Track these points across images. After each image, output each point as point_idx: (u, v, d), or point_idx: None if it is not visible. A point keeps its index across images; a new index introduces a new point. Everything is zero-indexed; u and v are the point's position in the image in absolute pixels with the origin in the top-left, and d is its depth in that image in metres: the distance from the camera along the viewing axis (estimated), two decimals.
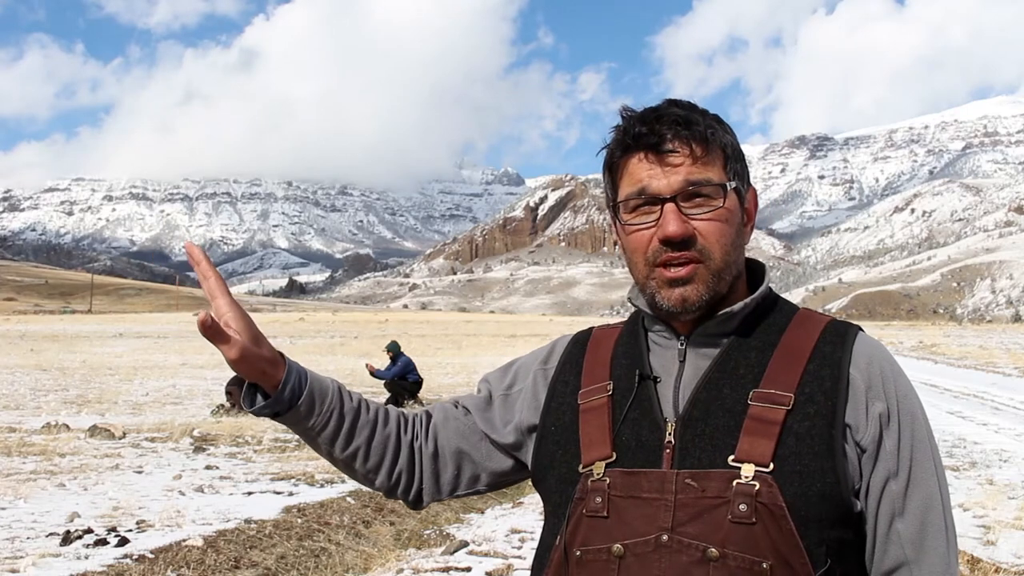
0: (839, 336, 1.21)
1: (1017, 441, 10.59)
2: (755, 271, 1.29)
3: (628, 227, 1.21)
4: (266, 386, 1.24)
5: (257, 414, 1.26)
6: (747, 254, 1.24)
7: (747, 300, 1.22)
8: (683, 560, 1.10)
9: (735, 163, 1.23)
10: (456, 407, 1.41)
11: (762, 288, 1.25)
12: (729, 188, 1.20)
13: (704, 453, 1.14)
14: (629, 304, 1.32)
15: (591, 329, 1.40)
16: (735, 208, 1.22)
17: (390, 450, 1.36)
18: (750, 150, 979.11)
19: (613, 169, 1.25)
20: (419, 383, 14.21)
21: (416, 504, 1.40)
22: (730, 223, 1.20)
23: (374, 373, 13.80)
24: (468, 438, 1.38)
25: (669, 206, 1.17)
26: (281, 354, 1.25)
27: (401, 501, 1.40)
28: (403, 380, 13.94)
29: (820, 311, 1.27)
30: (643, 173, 1.19)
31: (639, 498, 1.15)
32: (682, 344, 1.23)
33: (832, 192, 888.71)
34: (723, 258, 1.19)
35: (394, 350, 14.14)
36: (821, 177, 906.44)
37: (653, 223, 1.19)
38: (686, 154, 1.18)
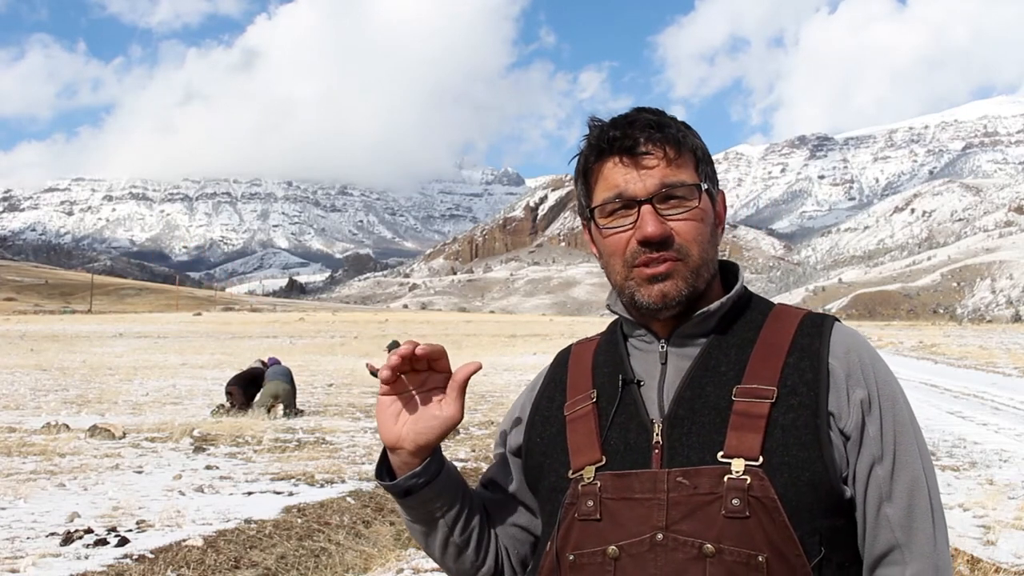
0: (816, 328, 1.23)
1: (1017, 441, 10.59)
2: (728, 271, 1.31)
3: (605, 231, 1.23)
4: (412, 457, 1.25)
5: (397, 486, 1.27)
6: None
7: (723, 299, 1.23)
8: (679, 558, 1.11)
9: (705, 166, 1.25)
10: (489, 486, 1.41)
11: (737, 287, 1.27)
12: (702, 188, 1.22)
13: (693, 451, 1.15)
14: (609, 312, 1.33)
15: (570, 347, 1.41)
16: (708, 208, 1.24)
17: (495, 535, 1.36)
18: (750, 150, 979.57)
19: (587, 174, 1.26)
20: None
21: None
22: (705, 222, 1.22)
23: (375, 373, 13.76)
24: (519, 515, 1.38)
25: (646, 208, 1.19)
26: None
27: None
28: None
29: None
30: (619, 177, 1.21)
31: (632, 499, 1.15)
32: (662, 347, 1.24)
33: (832, 192, 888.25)
34: (700, 255, 1.21)
35: (399, 346, 14.12)
36: (821, 177, 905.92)
37: (630, 226, 1.20)
38: (660, 156, 1.20)
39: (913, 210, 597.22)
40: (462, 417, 1.24)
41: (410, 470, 1.25)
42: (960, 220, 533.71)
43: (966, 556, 5.33)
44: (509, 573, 1.38)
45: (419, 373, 1.23)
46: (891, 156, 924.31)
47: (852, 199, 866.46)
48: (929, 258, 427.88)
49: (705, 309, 1.22)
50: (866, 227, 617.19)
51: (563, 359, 1.39)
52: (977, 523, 6.37)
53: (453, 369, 1.25)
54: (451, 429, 1.24)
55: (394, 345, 14.36)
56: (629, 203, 1.20)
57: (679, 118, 1.27)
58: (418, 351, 1.20)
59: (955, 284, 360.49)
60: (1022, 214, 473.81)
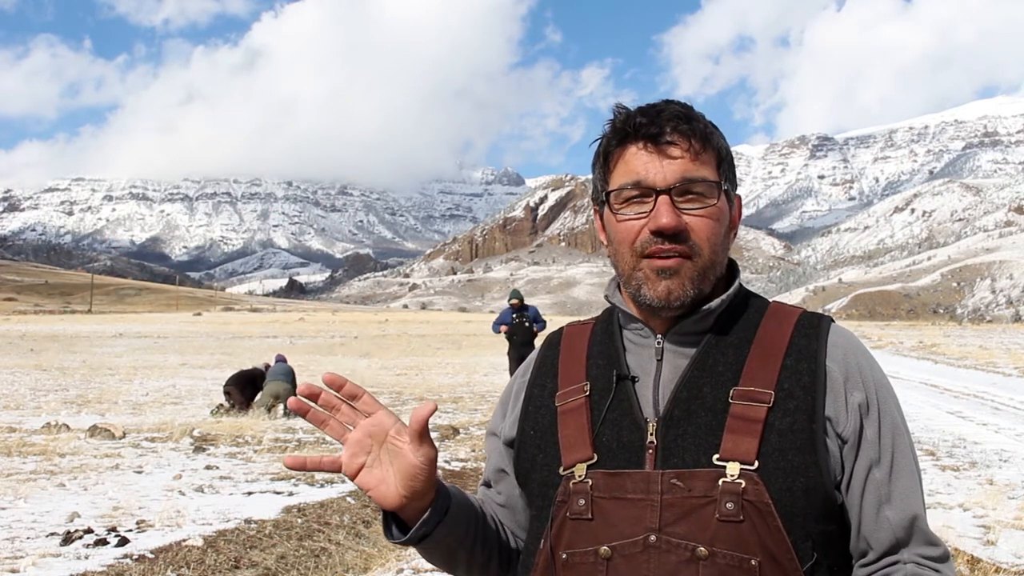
0: (813, 328, 1.22)
1: (1017, 441, 10.58)
2: (727, 268, 1.28)
3: (619, 216, 1.20)
4: (416, 509, 1.20)
5: (410, 540, 1.22)
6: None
7: (723, 297, 1.22)
8: (672, 560, 1.10)
9: (727, 166, 1.24)
10: (490, 487, 1.41)
11: (735, 285, 1.25)
12: (722, 188, 1.20)
13: (688, 453, 1.14)
14: (606, 302, 1.31)
15: (562, 329, 1.39)
16: (725, 209, 1.22)
17: (505, 551, 1.36)
18: (751, 150, 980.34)
19: (607, 158, 1.23)
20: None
21: None
22: (720, 222, 1.21)
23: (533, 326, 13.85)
24: (519, 514, 1.38)
25: (663, 198, 1.17)
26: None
27: None
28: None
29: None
30: (640, 164, 1.19)
31: (624, 499, 1.14)
32: (659, 343, 1.23)
33: (832, 192, 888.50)
34: (711, 256, 1.19)
35: (520, 297, 14.23)
36: (821, 177, 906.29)
37: (645, 214, 1.18)
38: (684, 148, 1.18)
39: (913, 210, 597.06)
40: (436, 451, 1.17)
41: (419, 517, 1.21)
42: (960, 220, 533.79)
43: (966, 556, 5.32)
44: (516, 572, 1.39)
45: (349, 410, 1.17)
46: (891, 156, 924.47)
47: (852, 199, 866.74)
48: (929, 258, 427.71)
49: (706, 307, 1.21)
50: (866, 227, 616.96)
51: (554, 341, 1.37)
52: (977, 523, 6.36)
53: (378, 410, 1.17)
54: (433, 466, 1.17)
55: (515, 295, 14.38)
56: (647, 192, 1.18)
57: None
58: (326, 380, 1.15)
59: (955, 284, 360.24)
60: (1022, 214, 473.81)
